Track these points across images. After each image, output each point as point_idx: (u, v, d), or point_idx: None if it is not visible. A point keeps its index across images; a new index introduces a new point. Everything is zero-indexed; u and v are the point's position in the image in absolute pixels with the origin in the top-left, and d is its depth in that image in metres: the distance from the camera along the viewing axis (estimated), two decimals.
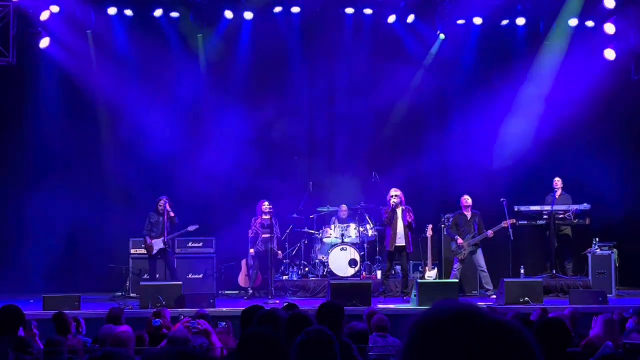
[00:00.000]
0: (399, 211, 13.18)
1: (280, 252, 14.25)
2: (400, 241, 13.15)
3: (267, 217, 13.96)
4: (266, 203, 14.05)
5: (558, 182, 14.92)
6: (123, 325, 7.81)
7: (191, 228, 14.20)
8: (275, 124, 16.55)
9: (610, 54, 15.75)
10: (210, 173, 15.85)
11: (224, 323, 8.28)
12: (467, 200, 14.09)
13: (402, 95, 16.69)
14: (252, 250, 14.12)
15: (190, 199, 15.62)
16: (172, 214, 13.89)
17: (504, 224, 13.72)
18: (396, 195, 13.16)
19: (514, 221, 13.91)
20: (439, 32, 16.23)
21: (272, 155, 16.48)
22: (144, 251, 14.34)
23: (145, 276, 14.20)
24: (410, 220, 13.11)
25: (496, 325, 1.35)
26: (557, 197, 14.79)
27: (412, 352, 1.36)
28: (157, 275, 14.14)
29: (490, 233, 13.77)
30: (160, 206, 14.05)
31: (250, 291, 14.01)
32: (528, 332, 1.37)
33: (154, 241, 14.04)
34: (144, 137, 15.79)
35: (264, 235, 13.95)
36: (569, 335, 5.44)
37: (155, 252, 14.08)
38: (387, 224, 13.29)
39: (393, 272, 14.04)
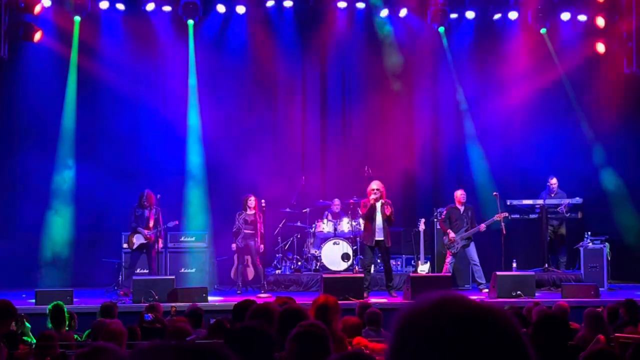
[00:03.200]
0: (378, 205, 12.80)
1: (262, 246, 13.90)
2: (379, 235, 12.75)
3: (252, 212, 13.88)
4: (252, 198, 13.95)
5: (554, 184, 14.87)
6: (115, 319, 7.81)
7: (171, 224, 13.83)
8: (268, 117, 16.57)
9: (600, 48, 15.80)
10: (202, 166, 15.85)
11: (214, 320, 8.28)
12: (461, 194, 14.10)
13: (395, 88, 16.68)
14: (233, 245, 14.05)
15: (183, 193, 15.61)
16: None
17: (496, 217, 13.72)
18: (377, 189, 12.80)
19: (507, 214, 13.90)
20: (437, 26, 16.22)
21: (265, 149, 16.45)
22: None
23: (138, 270, 14.06)
24: (388, 214, 12.68)
25: (475, 309, 1.35)
26: (552, 196, 14.79)
27: (398, 345, 1.36)
28: (143, 270, 13.94)
29: (482, 226, 13.76)
30: (147, 196, 13.63)
31: (240, 285, 13.97)
32: (509, 314, 1.37)
33: (135, 236, 13.64)
34: (137, 130, 15.84)
35: (245, 231, 13.89)
36: (569, 329, 5.47)
37: (136, 246, 13.61)
38: (366, 219, 12.96)
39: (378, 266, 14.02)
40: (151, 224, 13.64)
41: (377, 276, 13.71)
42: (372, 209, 12.82)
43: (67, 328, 8.17)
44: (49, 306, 8.33)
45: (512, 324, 1.36)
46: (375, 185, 12.87)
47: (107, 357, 3.59)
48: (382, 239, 12.78)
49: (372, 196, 12.76)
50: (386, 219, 12.76)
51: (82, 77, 15.76)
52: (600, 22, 15.60)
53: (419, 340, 1.33)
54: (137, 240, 13.63)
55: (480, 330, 1.32)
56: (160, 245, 13.99)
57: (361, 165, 15.31)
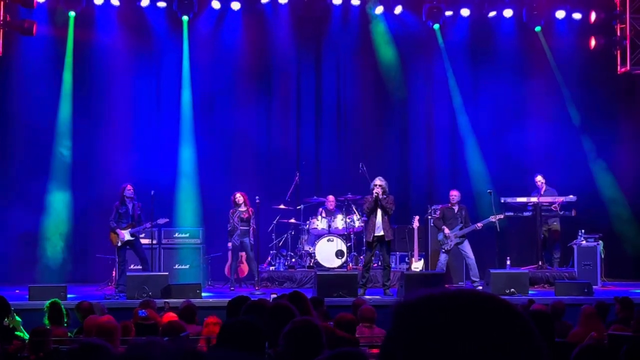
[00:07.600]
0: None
1: (252, 240, 13.89)
2: (379, 230, 12.60)
3: (244, 209, 13.84)
4: (238, 195, 13.79)
5: (540, 182, 14.85)
6: (106, 314, 7.80)
7: (161, 221, 13.57)
8: (262, 113, 16.57)
9: (595, 46, 15.84)
10: (195, 162, 15.84)
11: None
12: (455, 194, 14.08)
13: (389, 86, 16.68)
14: (229, 244, 14.01)
15: (176, 189, 15.60)
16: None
17: (492, 219, 13.69)
18: (380, 185, 12.64)
19: (502, 216, 13.87)
20: (432, 23, 16.24)
21: (259, 145, 16.45)
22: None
23: (132, 266, 13.99)
24: (384, 204, 12.47)
25: (477, 298, 1.33)
26: (542, 194, 14.80)
27: (396, 335, 1.34)
28: (132, 266, 13.87)
29: (479, 225, 13.74)
30: (129, 190, 13.12)
31: (234, 282, 13.95)
32: (513, 304, 1.35)
33: (122, 232, 13.09)
34: (131, 125, 15.83)
35: (241, 228, 13.84)
36: (552, 326, 5.48)
37: (122, 243, 13.07)
38: (368, 214, 12.85)
39: (376, 264, 13.96)
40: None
41: (371, 272, 13.63)
42: (375, 204, 12.66)
43: (65, 324, 8.17)
44: (46, 303, 8.29)
45: (518, 312, 1.33)
46: (378, 180, 12.73)
47: (97, 353, 3.57)
48: (381, 234, 12.63)
49: (375, 190, 12.57)
50: (385, 211, 12.56)
51: (77, 72, 15.71)
52: (595, 20, 15.65)
53: (419, 330, 1.30)
54: (123, 237, 13.11)
55: (484, 319, 1.29)
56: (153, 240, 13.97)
57: (355, 162, 15.33)
